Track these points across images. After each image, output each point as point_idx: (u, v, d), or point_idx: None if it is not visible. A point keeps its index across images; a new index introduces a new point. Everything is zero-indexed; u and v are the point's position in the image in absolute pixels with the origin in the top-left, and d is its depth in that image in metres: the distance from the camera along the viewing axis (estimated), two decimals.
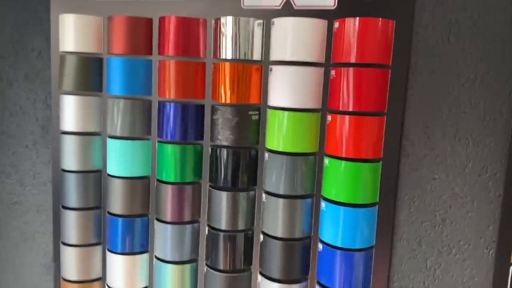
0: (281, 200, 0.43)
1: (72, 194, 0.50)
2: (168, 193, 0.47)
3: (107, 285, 0.51)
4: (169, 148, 0.46)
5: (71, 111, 0.49)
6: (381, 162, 0.41)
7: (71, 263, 0.51)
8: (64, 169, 0.50)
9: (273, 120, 0.43)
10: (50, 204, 0.54)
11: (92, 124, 0.49)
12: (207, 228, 0.47)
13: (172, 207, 0.47)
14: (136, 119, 0.47)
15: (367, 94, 0.39)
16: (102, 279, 0.52)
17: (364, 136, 0.40)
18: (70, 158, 0.49)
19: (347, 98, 0.39)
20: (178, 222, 0.47)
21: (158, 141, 0.47)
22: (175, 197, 0.47)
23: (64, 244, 0.51)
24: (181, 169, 0.46)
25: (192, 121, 0.46)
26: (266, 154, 0.44)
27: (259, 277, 0.46)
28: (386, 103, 0.40)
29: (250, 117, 0.44)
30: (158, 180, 0.48)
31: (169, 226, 0.47)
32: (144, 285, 0.50)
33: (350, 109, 0.40)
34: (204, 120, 0.46)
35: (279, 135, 0.42)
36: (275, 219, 0.44)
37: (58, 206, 0.51)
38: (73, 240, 0.50)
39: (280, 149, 0.42)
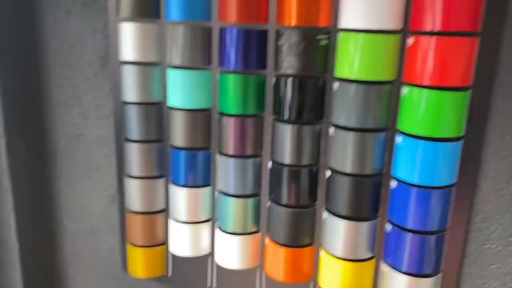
0: (351, 134, 0.40)
1: (134, 126, 0.49)
2: (230, 126, 0.45)
3: (171, 217, 0.51)
4: (230, 78, 0.44)
5: (130, 40, 0.47)
6: (470, 90, 0.36)
7: (135, 195, 0.51)
8: (125, 101, 0.49)
9: (345, 44, 0.38)
10: (113, 137, 0.54)
11: (152, 53, 0.47)
12: (270, 162, 0.45)
13: (234, 140, 0.45)
14: (196, 47, 0.45)
15: (458, 10, 0.34)
16: (165, 210, 0.52)
17: (452, 60, 0.35)
18: (130, 89, 0.48)
19: (433, 16, 0.34)
20: (240, 155, 0.45)
21: (220, 71, 0.45)
22: (237, 130, 0.45)
23: (128, 176, 0.51)
24: (243, 100, 0.44)
25: (255, 48, 0.42)
26: (336, 83, 0.40)
27: (325, 213, 0.44)
28: (480, 22, 0.35)
29: (319, 41, 0.40)
30: (220, 113, 0.46)
31: (231, 159, 0.46)
32: (207, 218, 0.50)
33: (437, 29, 0.34)
34: (268, 47, 0.43)
35: (352, 61, 0.38)
36: (343, 154, 0.41)
37: (121, 139, 0.51)
38: (136, 173, 0.51)
39: (352, 77, 0.39)
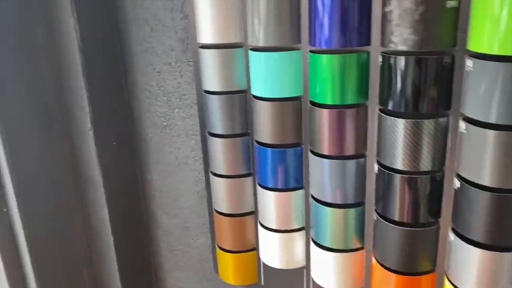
0: (491, 133, 0.28)
1: (217, 118, 0.43)
2: (324, 119, 0.36)
3: (259, 221, 0.44)
4: (323, 59, 0.34)
5: (208, 18, 0.40)
6: None
7: (221, 195, 0.46)
8: (206, 90, 0.43)
9: (485, 3, 0.26)
10: (198, 128, 0.48)
11: (232, 33, 0.40)
12: (376, 165, 0.35)
13: (329, 137, 0.36)
14: (282, 22, 0.36)
15: None
16: (255, 213, 0.46)
17: None
18: (211, 76, 0.42)
19: None
20: (338, 156, 0.36)
21: (310, 51, 0.36)
22: (334, 125, 0.36)
23: (213, 174, 0.45)
24: (340, 87, 0.34)
25: (356, 17, 0.32)
26: (470, 61, 0.29)
27: (451, 236, 0.33)
28: None
29: (444, 4, 0.28)
30: (312, 103, 0.37)
31: (326, 161, 0.37)
32: (299, 226, 0.42)
33: None
34: (372, 15, 0.32)
35: (494, 28, 0.26)
36: (480, 159, 0.29)
37: (205, 131, 0.45)
38: (221, 170, 0.45)
39: (495, 52, 0.27)
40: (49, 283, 0.57)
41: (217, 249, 0.49)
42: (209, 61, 0.41)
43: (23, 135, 0.50)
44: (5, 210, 0.51)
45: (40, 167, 0.52)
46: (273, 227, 0.43)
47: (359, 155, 0.36)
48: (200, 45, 0.42)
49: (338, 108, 0.35)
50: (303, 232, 0.42)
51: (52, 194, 0.55)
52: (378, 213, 0.36)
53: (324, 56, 0.34)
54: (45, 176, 0.53)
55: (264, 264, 0.47)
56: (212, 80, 0.42)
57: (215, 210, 0.47)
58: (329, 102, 0.35)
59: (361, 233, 0.39)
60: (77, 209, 0.57)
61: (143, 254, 0.61)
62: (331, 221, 0.38)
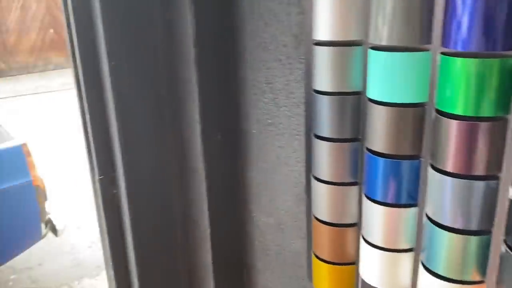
0: None
1: (325, 120, 0.40)
2: (451, 131, 0.31)
3: (362, 236, 0.41)
4: (458, 63, 0.30)
5: (327, 12, 0.37)
6: None
7: (321, 201, 0.43)
8: (317, 90, 0.40)
9: None
10: (303, 129, 0.46)
11: (352, 30, 0.37)
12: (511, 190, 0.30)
13: (456, 152, 0.32)
14: (411, 19, 0.32)
15: None
16: (358, 226, 0.43)
17: None
18: (324, 75, 0.39)
19: None
20: (464, 175, 0.32)
21: (442, 53, 0.31)
22: (463, 139, 0.31)
23: (315, 178, 0.43)
24: (476, 96, 0.30)
25: (503, 16, 0.28)
26: None
27: None
28: None
29: None
30: (438, 111, 0.33)
31: (449, 179, 0.32)
32: (409, 247, 0.38)
33: None
34: None
35: None
36: None
37: (310, 133, 0.43)
38: (325, 175, 0.42)
39: None
40: (148, 264, 0.59)
41: (313, 256, 0.47)
42: (324, 59, 0.39)
43: (137, 122, 0.52)
44: (115, 192, 0.53)
45: (149, 154, 0.54)
46: (378, 244, 0.39)
47: (491, 176, 0.31)
48: (315, 41, 0.39)
49: (471, 120, 0.30)
50: (411, 254, 0.38)
51: (157, 180, 0.57)
52: (508, 246, 0.31)
53: (460, 59, 0.30)
54: (153, 163, 0.55)
55: (363, 281, 0.43)
56: (324, 79, 0.39)
57: (314, 216, 0.45)
58: (459, 112, 0.31)
59: (483, 265, 0.33)
60: (179, 198, 0.58)
61: (237, 250, 0.61)
62: (447, 247, 0.34)
